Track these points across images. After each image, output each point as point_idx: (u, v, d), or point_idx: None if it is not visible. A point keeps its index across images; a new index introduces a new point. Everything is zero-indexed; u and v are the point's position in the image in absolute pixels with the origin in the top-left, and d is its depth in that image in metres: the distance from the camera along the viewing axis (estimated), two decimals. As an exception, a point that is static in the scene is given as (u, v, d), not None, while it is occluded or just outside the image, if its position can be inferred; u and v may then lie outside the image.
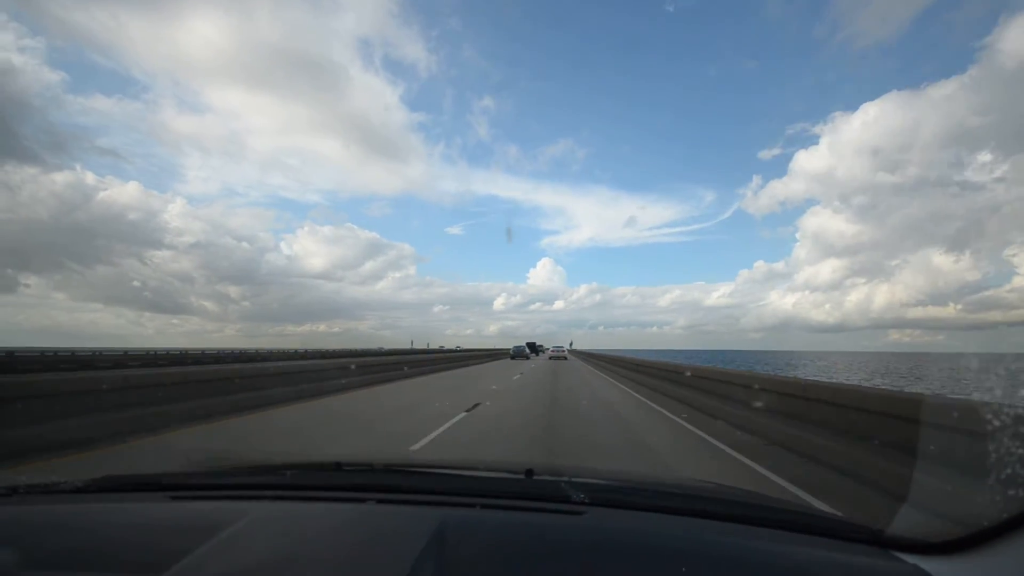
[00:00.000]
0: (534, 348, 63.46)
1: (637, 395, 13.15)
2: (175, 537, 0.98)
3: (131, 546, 0.98)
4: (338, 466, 1.41)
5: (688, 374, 12.04)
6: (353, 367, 14.80)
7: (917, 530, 0.97)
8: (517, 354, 47.73)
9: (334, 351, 62.96)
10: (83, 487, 1.30)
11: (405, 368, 20.02)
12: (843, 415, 5.36)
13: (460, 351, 61.67)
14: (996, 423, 1.67)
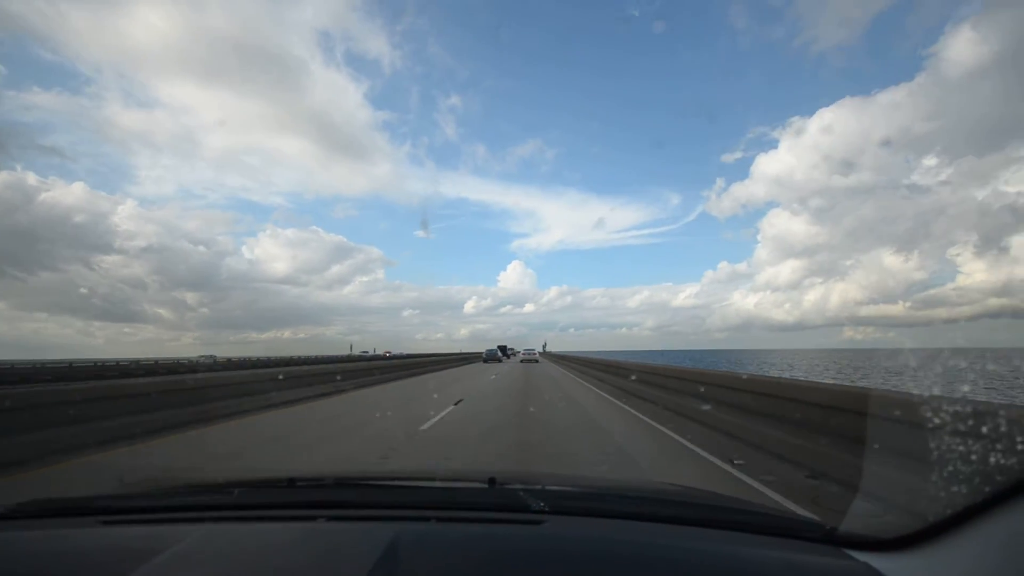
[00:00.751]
0: (505, 351, 64.99)
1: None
2: (107, 565, 0.92)
3: (60, 575, 0.92)
4: (290, 482, 1.35)
5: (633, 377, 12.67)
6: (281, 377, 12.49)
7: (868, 527, 1.00)
8: (490, 357, 49.57)
9: (264, 359, 53.31)
10: (6, 513, 1.22)
11: (339, 378, 15.70)
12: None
13: (390, 357, 56.68)
14: (937, 419, 1.75)
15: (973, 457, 1.27)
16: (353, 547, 0.94)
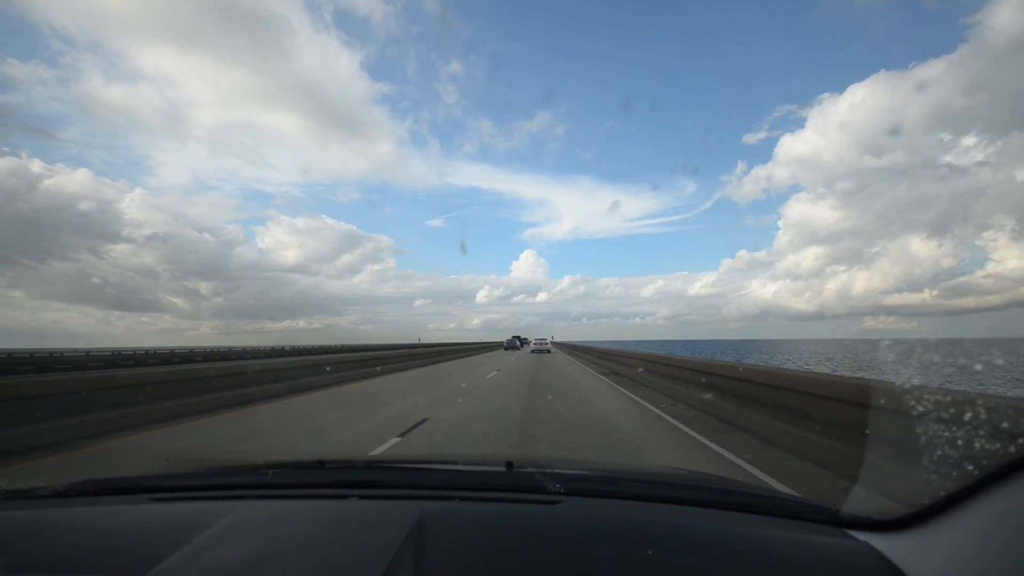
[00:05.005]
0: (521, 341, 69.96)
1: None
2: (157, 538, 0.95)
3: (113, 548, 0.95)
4: (320, 464, 1.38)
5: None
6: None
7: (868, 509, 1.00)
8: (510, 346, 57.99)
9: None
10: (63, 491, 1.25)
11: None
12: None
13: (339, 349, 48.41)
14: (924, 407, 1.75)
15: (959, 443, 1.28)
16: (383, 522, 0.97)
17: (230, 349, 43.81)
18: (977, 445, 1.32)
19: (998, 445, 1.08)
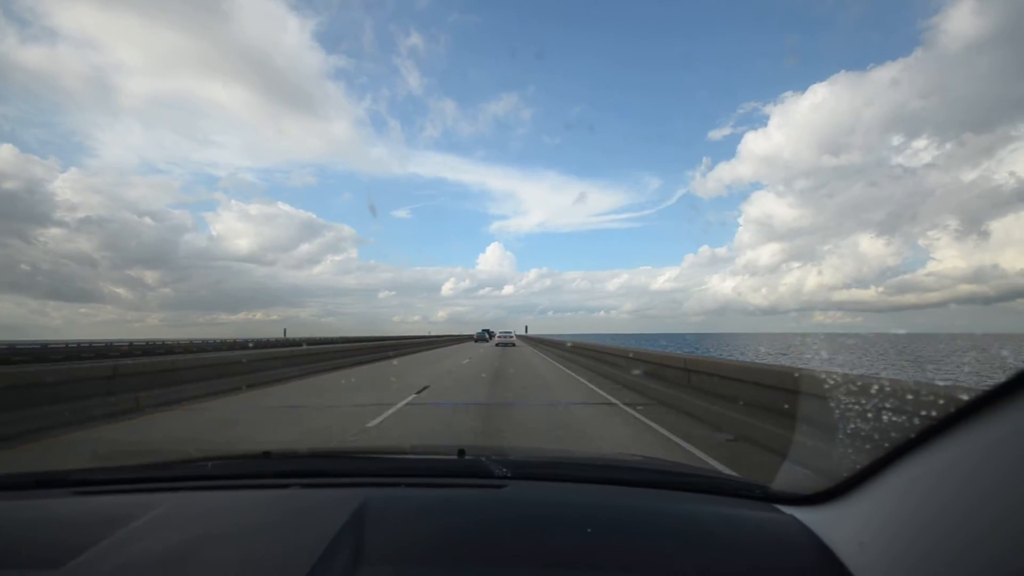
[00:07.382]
0: (489, 333, 72.40)
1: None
2: (80, 531, 0.88)
3: (32, 542, 0.88)
4: (266, 455, 1.30)
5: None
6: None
7: (796, 485, 1.05)
8: (479, 338, 62.54)
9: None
10: None
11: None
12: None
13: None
14: (837, 388, 1.86)
15: (869, 416, 1.37)
16: (324, 509, 0.94)
17: (163, 343, 39.44)
18: (885, 419, 1.43)
19: (903, 419, 1.16)
